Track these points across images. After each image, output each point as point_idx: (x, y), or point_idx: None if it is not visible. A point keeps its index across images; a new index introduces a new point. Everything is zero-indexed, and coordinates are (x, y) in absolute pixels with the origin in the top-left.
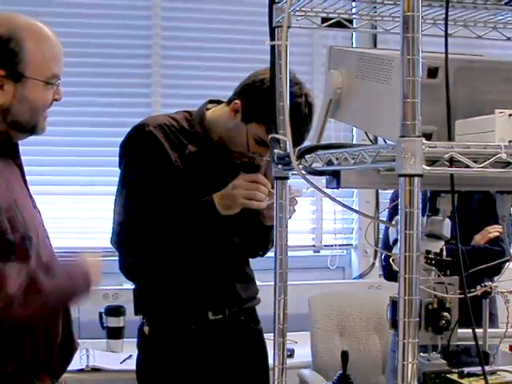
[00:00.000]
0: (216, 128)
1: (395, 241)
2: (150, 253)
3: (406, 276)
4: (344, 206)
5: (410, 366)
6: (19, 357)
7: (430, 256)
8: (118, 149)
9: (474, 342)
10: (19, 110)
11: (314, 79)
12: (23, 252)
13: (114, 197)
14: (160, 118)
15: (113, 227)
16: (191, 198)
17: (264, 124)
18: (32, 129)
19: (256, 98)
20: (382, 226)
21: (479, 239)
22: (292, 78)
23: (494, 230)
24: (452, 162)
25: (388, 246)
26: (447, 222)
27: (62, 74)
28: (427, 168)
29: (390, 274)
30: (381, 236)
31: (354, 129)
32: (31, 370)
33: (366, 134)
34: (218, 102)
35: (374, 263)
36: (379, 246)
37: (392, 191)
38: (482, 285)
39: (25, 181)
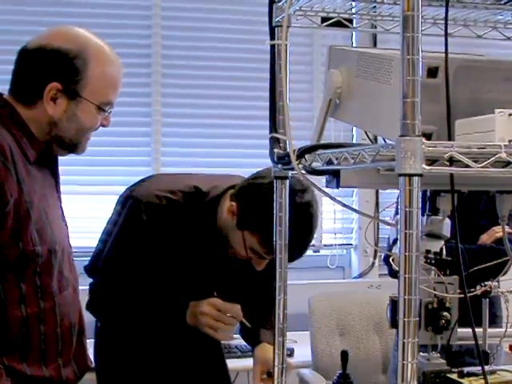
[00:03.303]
0: (219, 220)
1: (395, 240)
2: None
3: (406, 276)
4: (344, 205)
5: (409, 365)
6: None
7: (429, 256)
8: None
9: (473, 342)
10: (66, 126)
11: (313, 79)
12: (47, 265)
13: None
14: (157, 199)
15: (94, 253)
16: (178, 285)
17: (258, 234)
18: (73, 147)
19: (251, 206)
20: (382, 226)
21: (486, 239)
22: (297, 183)
23: (500, 230)
24: (452, 161)
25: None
26: (447, 221)
27: (115, 102)
28: (427, 167)
29: (393, 271)
30: (381, 236)
31: (354, 128)
32: (42, 382)
33: (365, 133)
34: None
35: (373, 263)
36: (380, 245)
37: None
38: (482, 284)
39: (58, 192)
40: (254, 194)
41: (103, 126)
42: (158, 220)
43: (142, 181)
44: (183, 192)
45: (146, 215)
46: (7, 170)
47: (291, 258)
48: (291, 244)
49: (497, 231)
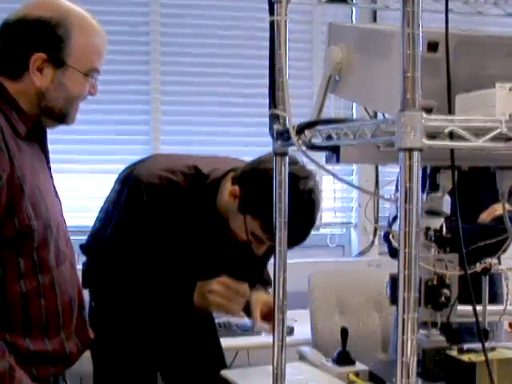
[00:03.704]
0: (220, 203)
1: (395, 218)
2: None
3: (406, 251)
4: (344, 181)
5: (409, 341)
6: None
7: (429, 233)
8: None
9: (473, 319)
10: (54, 96)
11: (313, 57)
12: (44, 240)
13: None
14: (158, 179)
15: (92, 233)
16: (179, 267)
17: (259, 219)
18: (63, 117)
19: (254, 190)
20: (382, 204)
21: (485, 217)
22: (300, 170)
23: (500, 208)
24: (452, 136)
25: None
26: (447, 198)
27: (101, 69)
28: (427, 142)
29: (393, 249)
30: (380, 214)
31: (354, 107)
32: (45, 357)
33: (365, 109)
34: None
35: (373, 241)
36: (379, 224)
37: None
38: (482, 262)
39: (49, 168)
40: (257, 179)
41: (91, 94)
42: (158, 201)
43: (142, 160)
44: (184, 173)
45: (147, 196)
46: None
47: (292, 244)
48: (293, 230)
49: (496, 209)
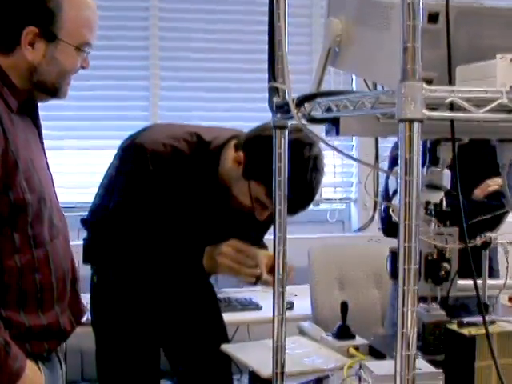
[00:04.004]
0: (222, 171)
1: (395, 191)
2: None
3: (406, 222)
4: (343, 154)
5: (409, 312)
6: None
7: (429, 207)
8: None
9: (472, 293)
10: (47, 70)
11: (312, 32)
12: (38, 214)
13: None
14: (162, 146)
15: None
16: (184, 236)
17: (264, 185)
18: (55, 91)
19: (258, 156)
20: (382, 179)
21: (479, 193)
22: (306, 137)
23: (493, 184)
24: (453, 107)
25: (388, 197)
26: (447, 172)
27: (93, 43)
28: (427, 113)
29: (389, 226)
30: (380, 189)
31: (354, 82)
32: (40, 332)
33: (365, 82)
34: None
35: (373, 216)
36: (379, 198)
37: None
38: (482, 236)
39: (42, 142)
40: (261, 145)
41: (83, 67)
42: (163, 169)
43: (143, 129)
44: (187, 140)
45: (152, 164)
46: None
47: (295, 211)
48: (297, 196)
49: (489, 185)
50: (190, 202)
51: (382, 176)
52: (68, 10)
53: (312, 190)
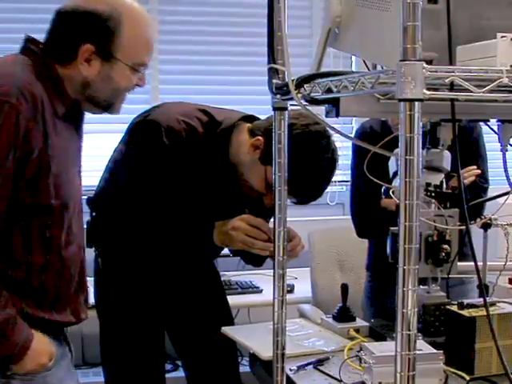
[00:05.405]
0: (234, 153)
1: (395, 173)
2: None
3: (407, 202)
4: (345, 135)
5: (410, 292)
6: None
7: (429, 188)
8: None
9: (471, 276)
10: (100, 87)
11: (312, 15)
12: (58, 220)
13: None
14: (177, 122)
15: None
16: (192, 214)
17: None
18: (107, 107)
19: None
20: None
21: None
22: (325, 130)
23: (468, 175)
24: (453, 87)
25: (359, 197)
26: (447, 154)
27: (149, 63)
28: (428, 92)
29: (361, 228)
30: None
31: (353, 65)
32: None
33: (364, 63)
34: (249, 119)
35: None
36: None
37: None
38: (482, 217)
39: (80, 149)
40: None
41: (138, 85)
42: (177, 144)
43: (153, 108)
44: (199, 119)
45: (167, 138)
46: (36, 122)
47: (308, 199)
48: (312, 185)
49: (465, 177)
50: (200, 181)
51: None
52: (127, 30)
53: (328, 181)
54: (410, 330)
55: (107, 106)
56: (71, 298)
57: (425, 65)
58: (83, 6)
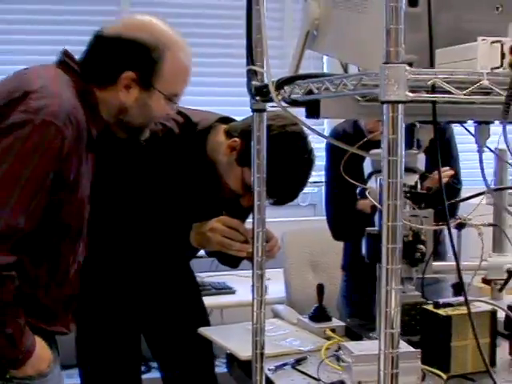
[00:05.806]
0: (211, 154)
1: (370, 174)
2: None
3: (390, 202)
4: (322, 136)
5: (393, 291)
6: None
7: (405, 189)
8: None
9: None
10: (135, 114)
11: (284, 16)
12: (72, 240)
13: None
14: (156, 124)
15: None
16: (169, 216)
17: None
18: (138, 132)
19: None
20: None
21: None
22: (302, 131)
23: (442, 176)
24: (434, 89)
25: (335, 200)
26: (421, 155)
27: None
28: (411, 94)
29: (337, 231)
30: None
31: (325, 65)
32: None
33: (341, 64)
34: (225, 121)
35: None
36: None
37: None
38: (456, 217)
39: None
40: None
41: (167, 114)
42: (154, 145)
43: None
44: (175, 120)
45: (144, 140)
46: (77, 148)
47: (286, 200)
48: (290, 186)
49: (443, 172)
50: (177, 182)
51: None
52: (169, 62)
53: (305, 182)
54: (393, 329)
55: (138, 132)
56: (65, 313)
57: (407, 67)
58: (127, 33)
